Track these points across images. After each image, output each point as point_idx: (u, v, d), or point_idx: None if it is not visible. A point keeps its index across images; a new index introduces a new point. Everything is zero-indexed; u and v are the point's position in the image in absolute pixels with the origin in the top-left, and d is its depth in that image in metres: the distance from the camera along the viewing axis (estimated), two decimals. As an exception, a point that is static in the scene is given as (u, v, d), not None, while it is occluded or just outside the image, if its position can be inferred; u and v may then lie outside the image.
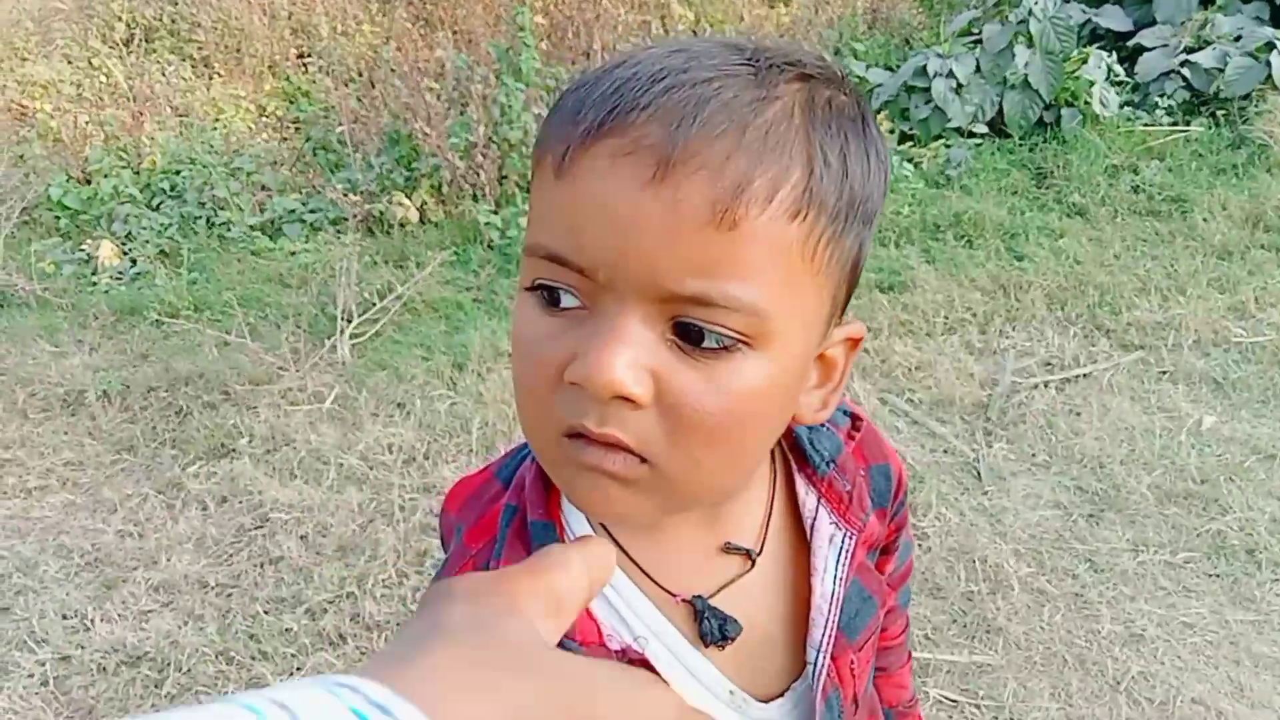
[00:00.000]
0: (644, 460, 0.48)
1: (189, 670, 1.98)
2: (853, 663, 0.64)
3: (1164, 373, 2.80)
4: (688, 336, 0.46)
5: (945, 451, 2.54)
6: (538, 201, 0.49)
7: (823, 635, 0.61)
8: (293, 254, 4.12)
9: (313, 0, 7.40)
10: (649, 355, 0.46)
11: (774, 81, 0.46)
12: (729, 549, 0.61)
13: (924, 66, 4.30)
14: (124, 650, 2.05)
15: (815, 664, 0.62)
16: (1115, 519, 2.24)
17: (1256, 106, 4.16)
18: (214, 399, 3.01)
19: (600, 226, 0.45)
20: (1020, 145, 4.20)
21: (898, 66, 4.67)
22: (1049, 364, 2.89)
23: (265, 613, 2.11)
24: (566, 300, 0.47)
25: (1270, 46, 4.19)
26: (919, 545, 2.17)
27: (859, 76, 4.59)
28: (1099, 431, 2.56)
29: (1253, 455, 2.42)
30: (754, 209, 0.44)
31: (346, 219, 4.30)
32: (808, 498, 0.64)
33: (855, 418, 0.68)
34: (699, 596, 0.60)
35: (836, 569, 0.62)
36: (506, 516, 0.60)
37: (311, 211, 4.43)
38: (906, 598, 0.82)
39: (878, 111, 4.43)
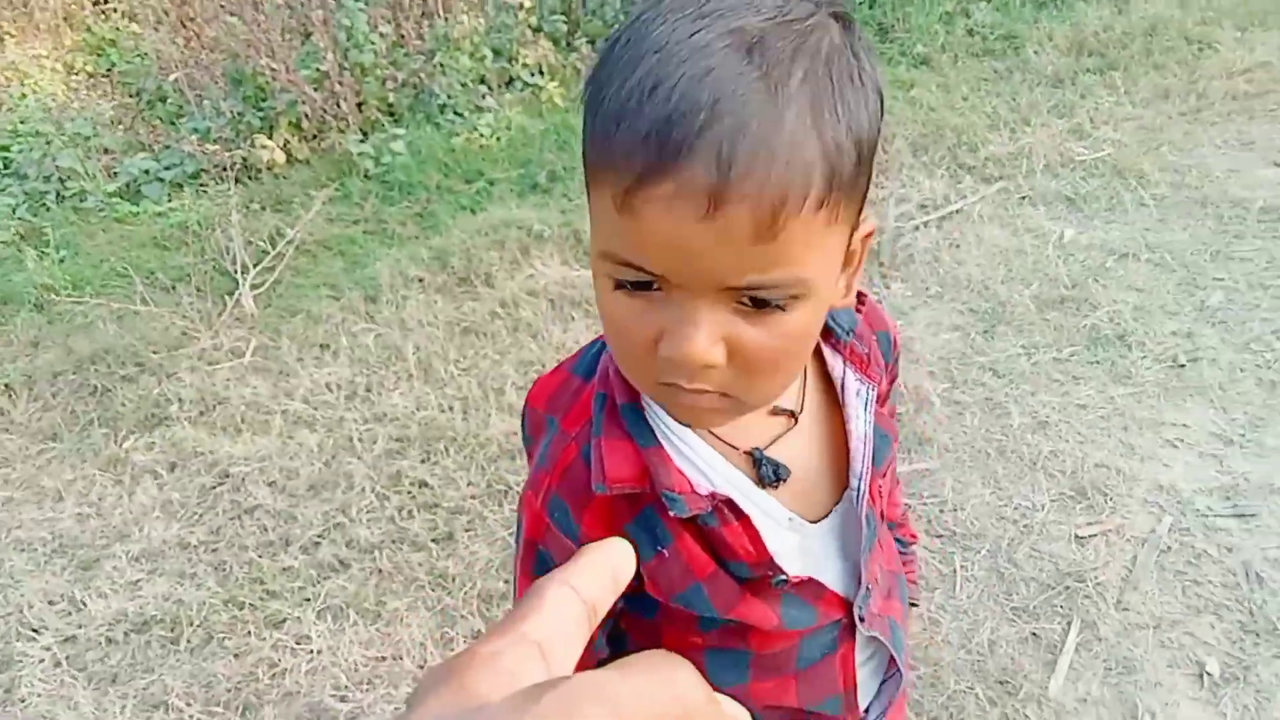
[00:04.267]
0: (725, 394, 0.62)
1: (202, 623, 2.05)
2: (880, 486, 0.80)
3: (1024, 198, 3.11)
4: (752, 304, 0.58)
5: (850, 299, 2.78)
6: (602, 217, 0.57)
7: (862, 465, 0.77)
8: (159, 215, 3.96)
9: (97, -61, 6.80)
10: (720, 326, 0.57)
11: (783, 82, 0.52)
12: (776, 411, 0.75)
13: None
14: (127, 620, 2.09)
15: (858, 489, 0.77)
16: (1006, 330, 2.54)
17: (1064, -61, 4.47)
18: (129, 372, 2.95)
19: (665, 249, 0.54)
20: (860, 3, 4.40)
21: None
22: (924, 206, 3.15)
23: (260, 557, 2.18)
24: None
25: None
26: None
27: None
28: (979, 258, 2.85)
29: (1110, 256, 2.76)
30: (790, 219, 0.53)
31: (206, 170, 4.14)
32: (834, 362, 0.77)
33: (860, 295, 0.80)
34: (757, 449, 0.74)
35: (865, 414, 0.77)
36: (599, 402, 0.72)
37: (167, 168, 4.23)
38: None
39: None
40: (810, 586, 0.76)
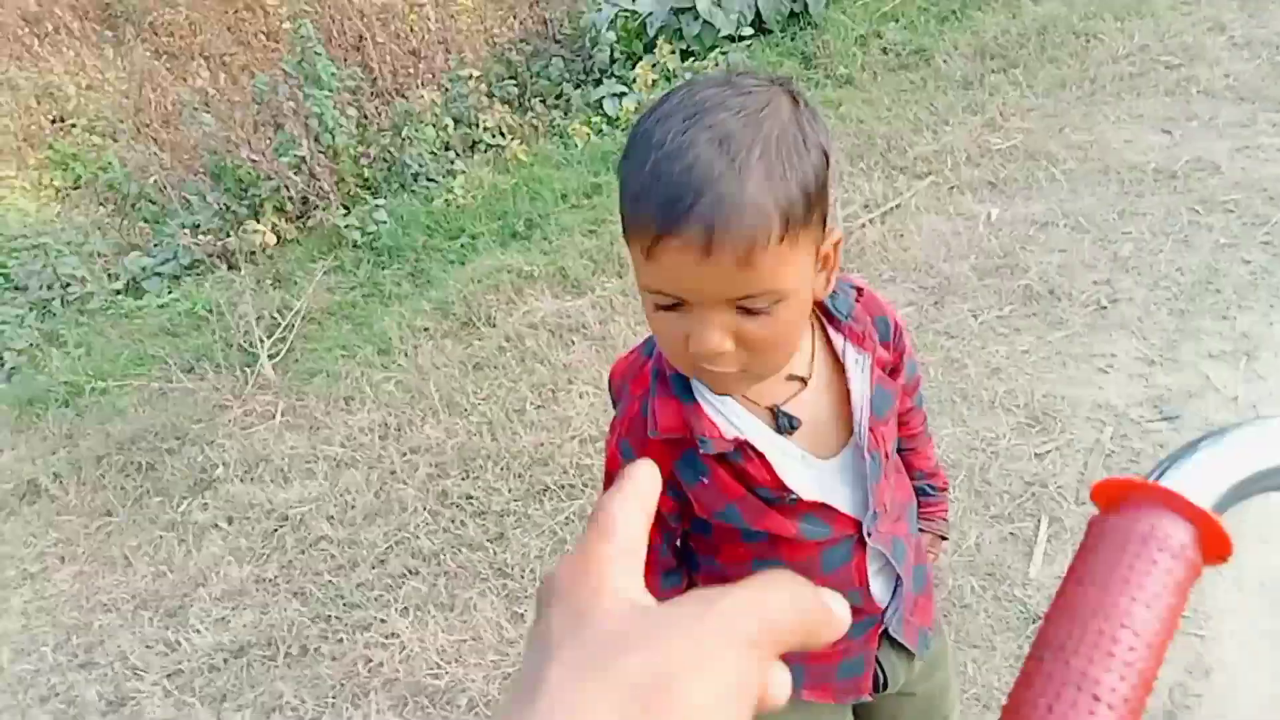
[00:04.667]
0: (742, 369, 0.85)
1: (295, 638, 2.31)
2: (882, 433, 1.00)
3: (952, 187, 3.51)
4: (747, 310, 0.80)
5: (815, 292, 3.14)
6: (638, 262, 0.81)
7: (862, 415, 0.98)
8: (162, 306, 4.22)
9: (47, 62, 7.12)
10: (728, 324, 0.80)
11: (746, 164, 0.74)
12: (791, 377, 0.97)
13: (684, -11, 4.84)
14: (225, 648, 2.35)
15: (859, 434, 0.98)
16: (954, 299, 2.91)
17: (953, -41, 4.97)
18: (171, 445, 3.20)
19: (680, 282, 0.79)
20: (783, 37, 4.83)
21: (659, -6, 5.18)
22: (867, 205, 3.54)
23: (335, 579, 2.45)
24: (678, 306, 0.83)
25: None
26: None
27: (629, 10, 5.08)
28: (921, 244, 3.23)
29: (1032, 226, 3.15)
30: (760, 254, 0.75)
31: (201, 260, 4.42)
32: (836, 338, 0.98)
33: (859, 289, 1.02)
34: (776, 405, 0.96)
35: (862, 376, 0.98)
36: (654, 373, 0.97)
37: (162, 263, 4.51)
38: (920, 400, 1.21)
39: (655, 38, 4.95)
40: (823, 508, 0.98)
